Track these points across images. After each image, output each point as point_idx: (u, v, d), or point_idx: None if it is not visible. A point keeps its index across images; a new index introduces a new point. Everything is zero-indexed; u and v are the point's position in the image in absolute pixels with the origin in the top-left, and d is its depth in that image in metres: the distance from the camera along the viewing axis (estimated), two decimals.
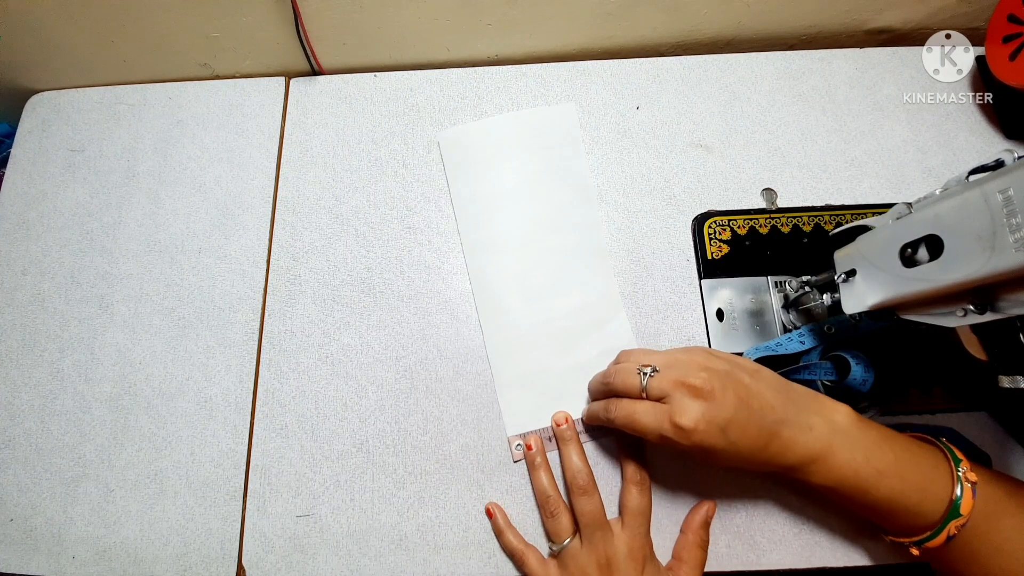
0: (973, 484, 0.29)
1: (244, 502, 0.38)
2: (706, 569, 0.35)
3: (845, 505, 0.32)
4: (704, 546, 0.35)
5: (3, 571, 0.38)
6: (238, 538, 0.38)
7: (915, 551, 0.30)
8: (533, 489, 0.37)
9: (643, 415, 0.32)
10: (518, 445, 0.38)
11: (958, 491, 0.29)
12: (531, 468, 0.37)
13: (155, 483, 0.39)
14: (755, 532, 0.36)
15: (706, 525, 0.36)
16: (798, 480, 0.31)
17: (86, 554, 0.38)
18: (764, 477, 0.37)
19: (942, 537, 0.29)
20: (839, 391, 0.35)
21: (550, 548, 0.36)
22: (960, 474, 0.29)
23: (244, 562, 0.37)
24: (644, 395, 0.32)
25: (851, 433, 0.30)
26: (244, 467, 0.39)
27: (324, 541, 0.37)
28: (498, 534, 0.37)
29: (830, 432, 0.30)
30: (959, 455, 0.30)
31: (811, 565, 0.35)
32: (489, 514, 0.37)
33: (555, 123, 0.46)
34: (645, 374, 0.32)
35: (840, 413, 0.31)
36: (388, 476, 0.38)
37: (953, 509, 0.28)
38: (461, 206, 0.44)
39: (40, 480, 0.40)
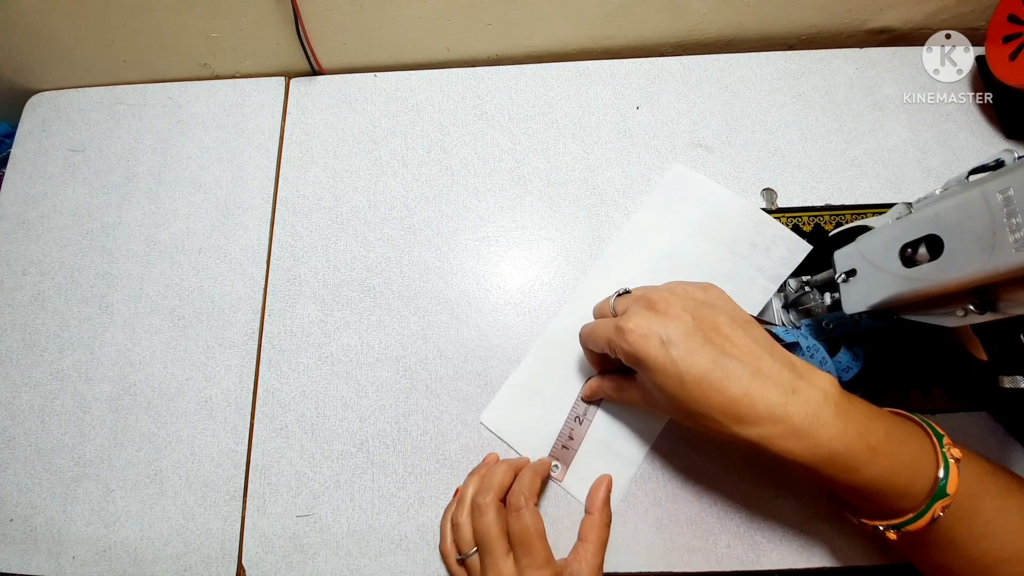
0: (958, 461, 0.26)
1: (244, 502, 0.38)
2: (706, 569, 0.35)
3: (822, 483, 0.28)
4: (608, 524, 0.34)
5: (3, 571, 0.38)
6: (238, 538, 0.38)
7: (892, 535, 0.27)
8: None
9: (599, 325, 0.32)
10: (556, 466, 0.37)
11: (942, 469, 0.26)
12: (473, 471, 0.37)
13: (155, 483, 0.39)
14: (755, 532, 0.36)
15: (608, 502, 0.35)
16: (764, 452, 0.27)
17: (86, 554, 0.38)
18: (722, 447, 0.34)
19: (926, 519, 0.26)
20: None
21: (456, 556, 0.34)
22: (944, 451, 0.27)
23: (244, 562, 0.37)
24: (613, 314, 0.32)
25: (842, 405, 0.27)
26: (244, 467, 0.39)
27: (324, 541, 0.37)
28: (444, 514, 0.36)
29: (821, 399, 0.27)
30: (940, 430, 0.28)
31: (811, 565, 0.35)
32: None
33: (764, 238, 0.41)
34: (617, 294, 0.33)
35: (828, 381, 0.28)
36: (388, 476, 0.38)
37: (939, 489, 0.26)
38: (630, 231, 0.42)
39: (40, 480, 0.40)
